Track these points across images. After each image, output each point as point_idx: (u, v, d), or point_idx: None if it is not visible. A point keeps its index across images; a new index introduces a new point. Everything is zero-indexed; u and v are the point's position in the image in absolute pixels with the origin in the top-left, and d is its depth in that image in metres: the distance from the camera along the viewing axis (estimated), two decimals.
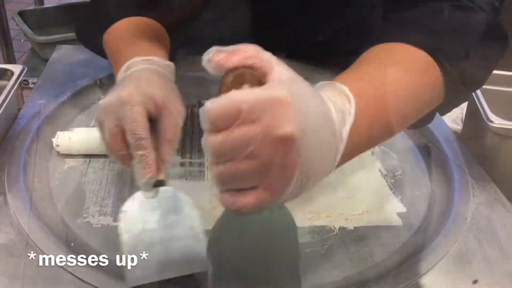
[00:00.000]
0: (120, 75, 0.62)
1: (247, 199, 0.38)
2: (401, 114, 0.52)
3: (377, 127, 0.49)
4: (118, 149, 0.54)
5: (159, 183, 0.54)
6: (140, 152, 0.52)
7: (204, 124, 0.37)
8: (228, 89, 0.38)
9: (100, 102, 0.57)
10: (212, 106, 0.36)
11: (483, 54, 0.58)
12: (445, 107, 0.61)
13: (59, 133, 0.73)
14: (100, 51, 0.75)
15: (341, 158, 0.44)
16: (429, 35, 0.55)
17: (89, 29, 0.80)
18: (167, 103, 0.56)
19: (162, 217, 0.53)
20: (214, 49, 0.40)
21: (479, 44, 0.58)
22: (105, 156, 0.74)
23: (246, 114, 0.35)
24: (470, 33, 0.58)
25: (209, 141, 0.37)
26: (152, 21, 0.72)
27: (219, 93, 0.38)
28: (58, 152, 0.73)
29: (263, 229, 0.43)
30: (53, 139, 0.73)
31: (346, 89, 0.46)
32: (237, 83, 0.38)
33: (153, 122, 0.55)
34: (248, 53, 0.39)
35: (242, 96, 0.36)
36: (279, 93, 0.36)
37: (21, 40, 2.29)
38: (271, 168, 0.37)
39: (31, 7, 2.09)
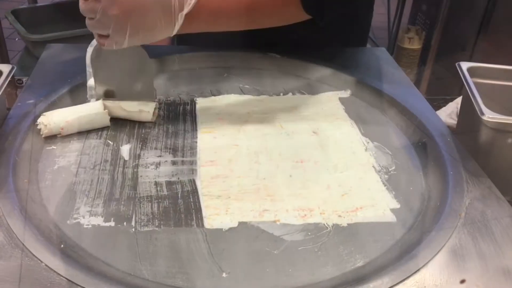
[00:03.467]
0: None
1: (102, 41, 0.71)
2: (239, 15, 0.74)
3: (214, 18, 0.75)
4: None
5: None
6: None
7: None
8: None
9: None
10: None
11: None
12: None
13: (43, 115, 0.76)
14: None
15: (182, 28, 0.72)
16: None
17: None
18: None
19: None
20: None
21: None
22: (95, 156, 0.73)
23: None
24: None
25: (80, 3, 0.68)
26: None
27: None
28: (42, 135, 0.75)
29: (123, 56, 0.78)
30: (39, 121, 0.75)
31: None
32: None
33: None
34: None
35: None
36: None
37: (15, 39, 2.28)
38: (111, 28, 0.69)
39: (25, 6, 2.07)
